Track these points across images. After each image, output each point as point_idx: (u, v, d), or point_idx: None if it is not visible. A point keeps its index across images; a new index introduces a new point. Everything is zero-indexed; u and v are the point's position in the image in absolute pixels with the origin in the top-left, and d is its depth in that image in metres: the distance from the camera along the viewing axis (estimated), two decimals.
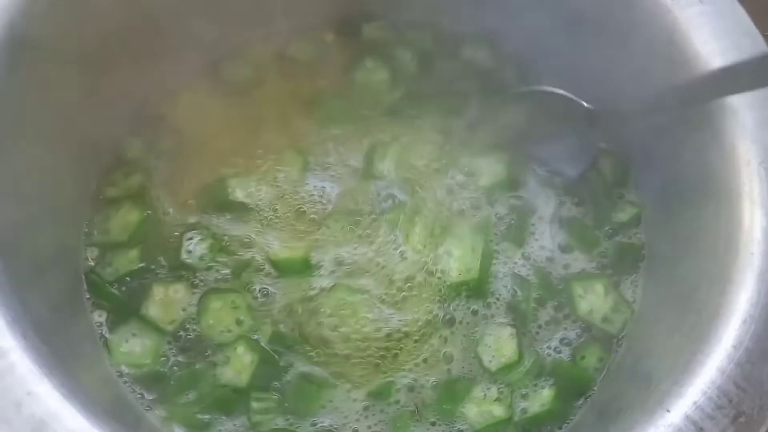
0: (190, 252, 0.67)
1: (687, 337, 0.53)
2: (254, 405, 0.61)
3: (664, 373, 0.53)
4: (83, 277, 0.66)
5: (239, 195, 0.69)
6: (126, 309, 0.65)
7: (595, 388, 0.63)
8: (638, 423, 0.49)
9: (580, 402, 0.62)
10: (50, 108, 0.60)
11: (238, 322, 0.64)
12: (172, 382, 0.62)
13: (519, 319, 0.65)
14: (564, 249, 0.68)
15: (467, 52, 0.77)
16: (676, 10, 0.58)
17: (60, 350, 0.53)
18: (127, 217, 0.68)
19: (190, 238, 0.67)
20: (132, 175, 0.70)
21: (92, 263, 0.66)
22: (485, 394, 0.62)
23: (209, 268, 0.66)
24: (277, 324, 0.64)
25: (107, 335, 0.64)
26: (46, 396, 0.46)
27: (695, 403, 0.48)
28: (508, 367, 0.63)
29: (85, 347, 0.63)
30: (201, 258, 0.67)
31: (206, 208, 0.69)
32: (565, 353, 0.65)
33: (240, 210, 0.69)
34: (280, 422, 0.61)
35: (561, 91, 0.61)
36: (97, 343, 0.64)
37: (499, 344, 0.64)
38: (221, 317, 0.64)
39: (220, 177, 0.70)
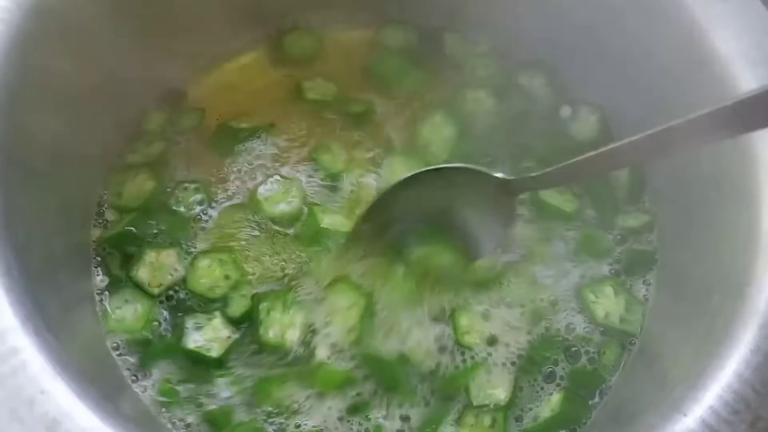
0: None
1: (703, 341, 0.53)
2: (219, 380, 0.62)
3: (680, 376, 0.52)
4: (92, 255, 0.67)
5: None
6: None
7: (610, 389, 0.63)
8: (654, 427, 0.48)
9: (594, 402, 0.62)
10: (79, 77, 0.62)
11: (227, 277, 0.65)
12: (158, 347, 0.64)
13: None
14: (574, 259, 0.68)
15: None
16: (697, 9, 0.58)
17: (70, 346, 0.53)
18: (143, 185, 0.70)
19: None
20: (154, 144, 0.72)
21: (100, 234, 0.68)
22: (477, 419, 0.61)
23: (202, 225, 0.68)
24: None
25: (107, 305, 0.65)
26: (59, 394, 0.46)
27: (712, 407, 0.48)
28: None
29: (96, 341, 0.63)
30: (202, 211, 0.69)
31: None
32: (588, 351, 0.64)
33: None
34: None
35: (472, 167, 0.60)
36: (104, 336, 0.64)
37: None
38: (210, 274, 0.66)
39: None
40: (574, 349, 0.64)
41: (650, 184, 0.70)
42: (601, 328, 0.65)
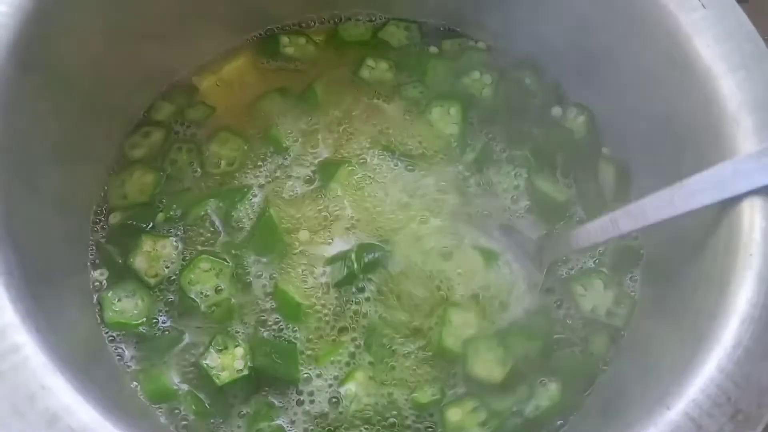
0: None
1: (686, 336, 0.54)
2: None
3: (663, 371, 0.54)
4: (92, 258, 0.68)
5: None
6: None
7: (600, 381, 0.64)
8: (638, 420, 0.49)
9: (588, 393, 0.64)
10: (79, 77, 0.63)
11: (217, 290, 0.66)
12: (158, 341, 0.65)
13: None
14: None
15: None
16: (680, 15, 0.59)
17: (70, 341, 0.54)
18: (143, 179, 0.71)
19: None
20: (152, 134, 0.74)
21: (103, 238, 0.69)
22: (474, 408, 0.63)
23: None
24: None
25: (105, 299, 0.66)
26: (60, 390, 0.47)
27: (695, 400, 0.48)
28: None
29: (95, 337, 0.64)
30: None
31: None
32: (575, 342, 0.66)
33: None
34: None
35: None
36: (102, 331, 0.65)
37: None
38: (203, 278, 0.66)
39: None
40: (564, 337, 0.66)
41: (636, 183, 0.71)
42: (588, 320, 0.67)
